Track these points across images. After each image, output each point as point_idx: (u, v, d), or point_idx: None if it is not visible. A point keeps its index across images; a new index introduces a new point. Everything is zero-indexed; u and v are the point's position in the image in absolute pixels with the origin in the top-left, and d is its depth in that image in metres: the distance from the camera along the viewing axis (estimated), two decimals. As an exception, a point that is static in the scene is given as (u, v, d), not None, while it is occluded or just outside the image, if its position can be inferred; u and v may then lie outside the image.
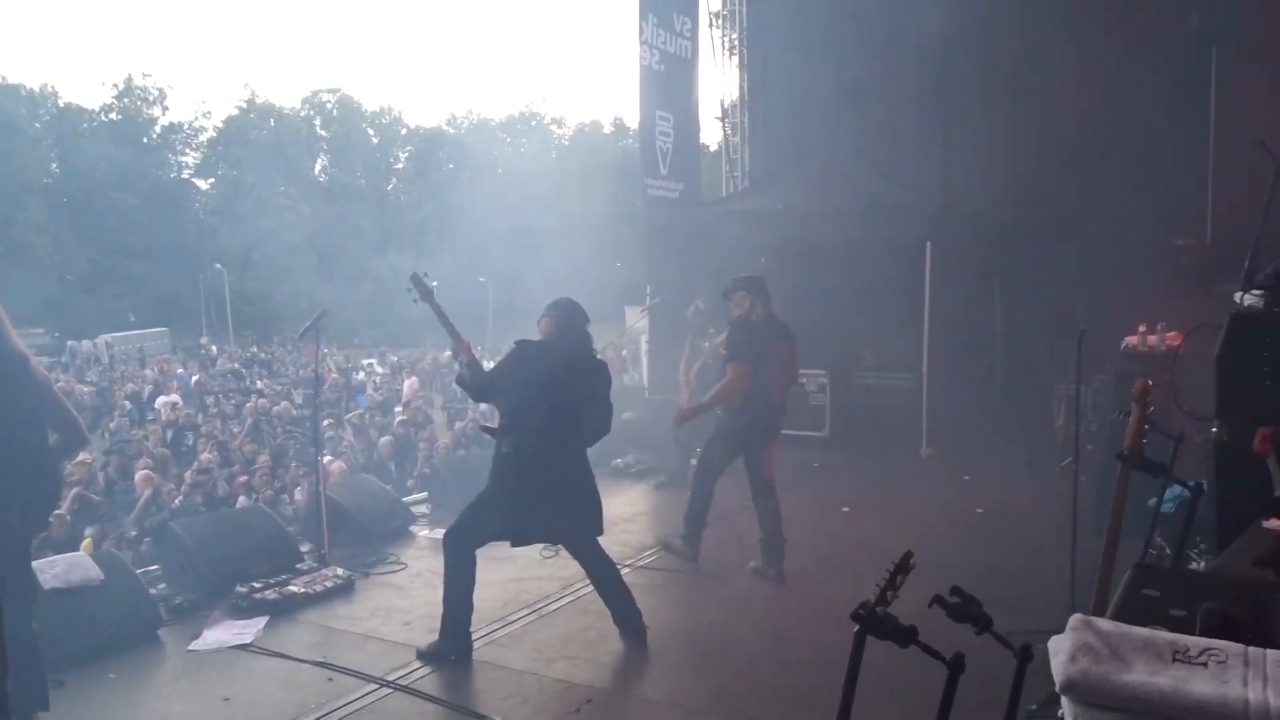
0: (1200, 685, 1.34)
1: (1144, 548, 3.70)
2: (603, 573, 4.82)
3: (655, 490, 8.27)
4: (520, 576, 5.70)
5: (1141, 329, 7.06)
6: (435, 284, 4.82)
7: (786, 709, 4.03)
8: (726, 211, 10.70)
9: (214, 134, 51.75)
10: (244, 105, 51.71)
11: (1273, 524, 2.52)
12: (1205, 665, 1.39)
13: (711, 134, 17.64)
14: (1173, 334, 6.80)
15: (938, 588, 2.33)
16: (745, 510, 6.08)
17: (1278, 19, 8.63)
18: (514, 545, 4.73)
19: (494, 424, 4.91)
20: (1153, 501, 3.70)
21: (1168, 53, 9.23)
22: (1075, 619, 1.53)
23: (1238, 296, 3.06)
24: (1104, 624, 1.52)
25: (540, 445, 4.45)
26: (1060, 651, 1.46)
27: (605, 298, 22.29)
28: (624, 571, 5.33)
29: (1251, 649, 1.43)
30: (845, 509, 7.27)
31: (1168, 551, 3.82)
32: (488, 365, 5.12)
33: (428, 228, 43.17)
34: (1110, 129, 9.40)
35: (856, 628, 2.19)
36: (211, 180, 51.21)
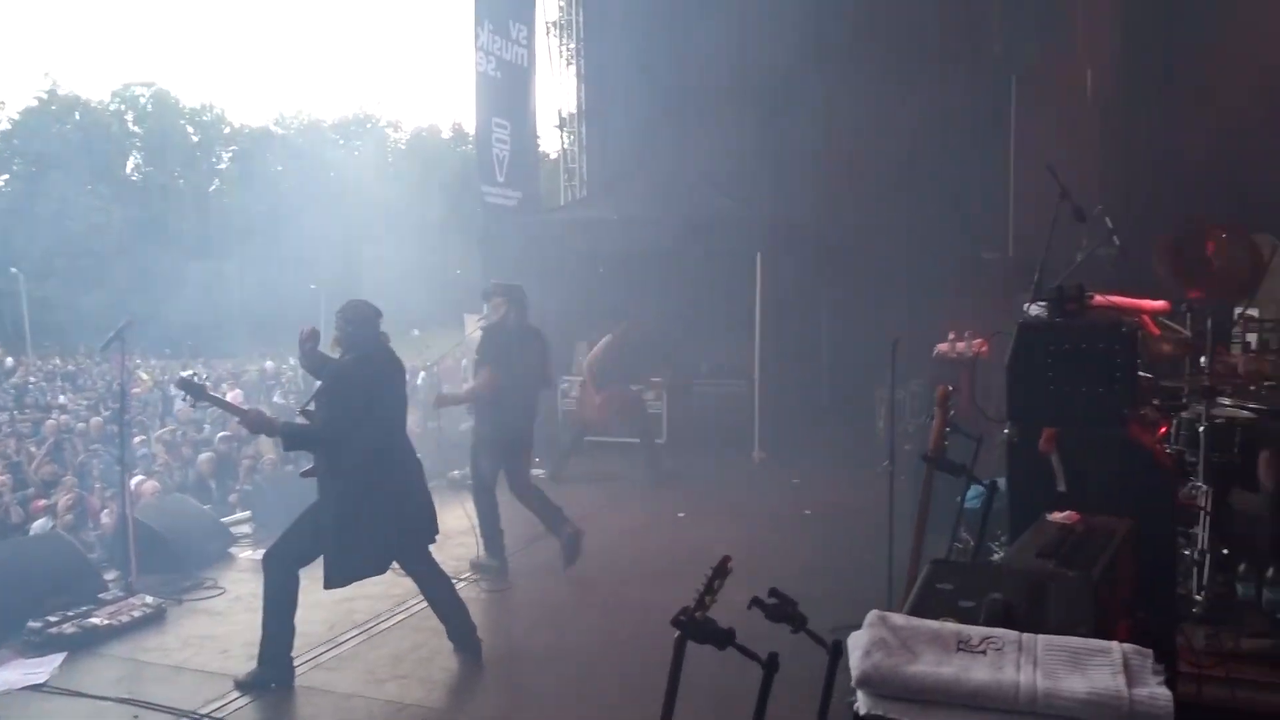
0: (979, 672, 1.44)
1: (950, 543, 3.96)
2: (437, 588, 4.71)
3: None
4: (350, 595, 5.47)
5: (951, 336, 7.53)
6: (205, 378, 4.59)
7: (617, 717, 4.05)
8: (564, 221, 10.72)
9: (9, 127, 47.43)
10: (44, 97, 47.70)
11: (1056, 517, 2.73)
12: (985, 653, 1.49)
13: (552, 142, 17.69)
14: (979, 341, 7.29)
15: (767, 588, 2.42)
16: (578, 520, 6.11)
17: (1066, 50, 9.42)
18: (329, 586, 4.39)
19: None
20: (960, 499, 3.96)
21: (975, 79, 9.92)
22: (872, 615, 1.61)
23: (1026, 307, 3.32)
24: (898, 619, 1.60)
25: (368, 458, 4.30)
26: (857, 647, 1.53)
27: (444, 305, 21.89)
28: (459, 586, 5.24)
29: (1025, 635, 1.55)
30: (681, 514, 7.41)
31: (972, 545, 4.07)
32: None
33: (254, 231, 41.07)
34: (925, 149, 9.99)
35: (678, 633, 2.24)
36: (5, 177, 46.87)
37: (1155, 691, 1.38)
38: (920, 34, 10.18)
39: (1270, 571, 3.93)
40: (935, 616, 1.84)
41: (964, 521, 4.26)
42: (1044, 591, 1.96)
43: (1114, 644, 1.50)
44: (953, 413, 3.12)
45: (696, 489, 8.35)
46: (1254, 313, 10.18)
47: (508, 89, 10.70)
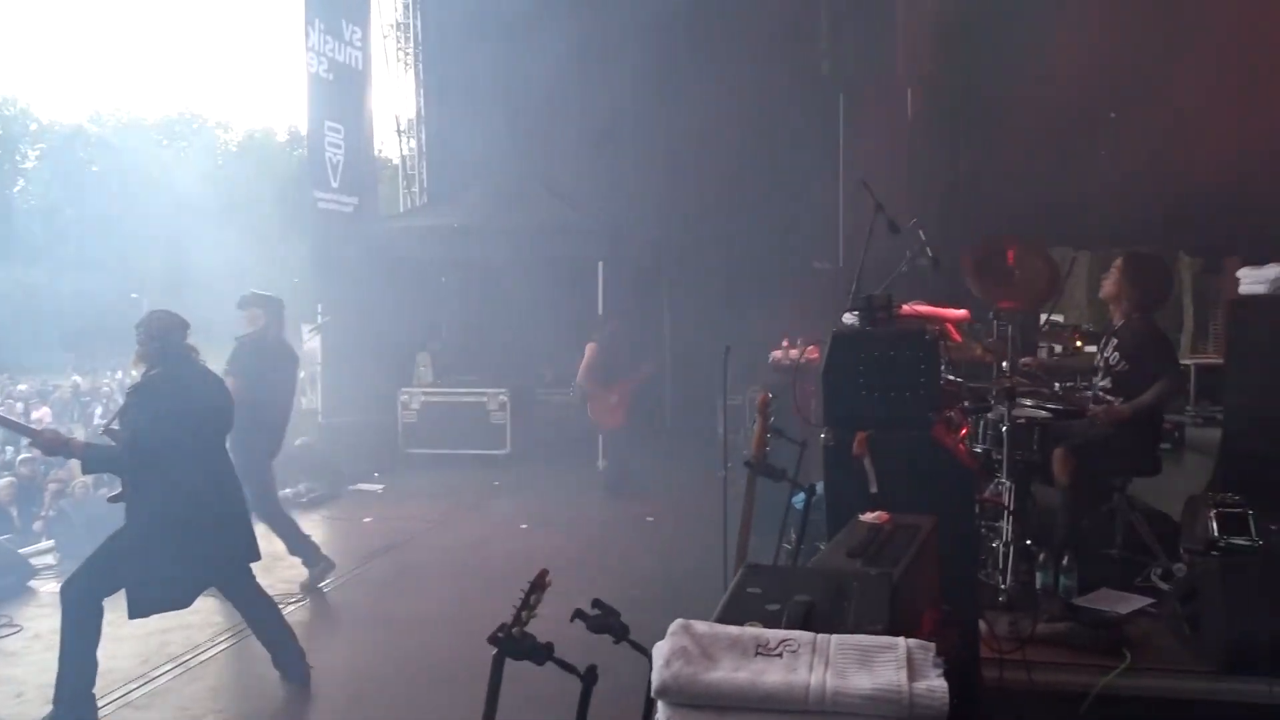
0: (773, 675, 1.47)
1: (778, 546, 4.08)
2: (261, 613, 4.47)
3: (329, 521, 7.86)
4: (167, 626, 5.13)
5: (784, 344, 7.80)
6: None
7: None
8: (404, 228, 10.47)
9: None
10: None
11: (867, 517, 2.84)
12: (781, 656, 1.53)
13: (393, 148, 17.20)
14: (811, 348, 7.57)
15: (605, 597, 2.42)
16: (413, 540, 5.97)
17: (888, 70, 9.94)
18: (133, 616, 4.10)
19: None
20: (788, 502, 4.09)
21: (806, 94, 10.33)
22: (675, 624, 1.63)
23: (844, 316, 3.47)
24: (701, 626, 1.62)
25: (176, 479, 4.04)
26: (659, 657, 1.54)
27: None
28: (287, 610, 5.01)
29: (820, 636, 1.60)
30: (524, 526, 7.34)
31: (802, 547, 4.20)
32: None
33: (66, 236, 38.07)
34: (761, 161, 10.34)
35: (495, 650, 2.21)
36: None
37: (933, 684, 1.45)
38: (755, 51, 10.50)
39: (1065, 559, 4.24)
40: (742, 621, 1.87)
41: (793, 525, 4.40)
42: (846, 591, 2.03)
43: (900, 640, 1.57)
44: (772, 419, 3.22)
45: (540, 499, 8.30)
46: (1059, 318, 11.01)
47: (341, 91, 10.36)
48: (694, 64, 10.41)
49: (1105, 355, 4.80)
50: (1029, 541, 4.62)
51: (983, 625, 3.56)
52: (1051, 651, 3.62)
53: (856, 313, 3.25)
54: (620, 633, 2.50)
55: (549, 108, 10.50)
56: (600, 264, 9.47)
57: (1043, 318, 10.15)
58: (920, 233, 5.32)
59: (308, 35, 9.76)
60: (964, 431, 3.30)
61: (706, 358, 9.41)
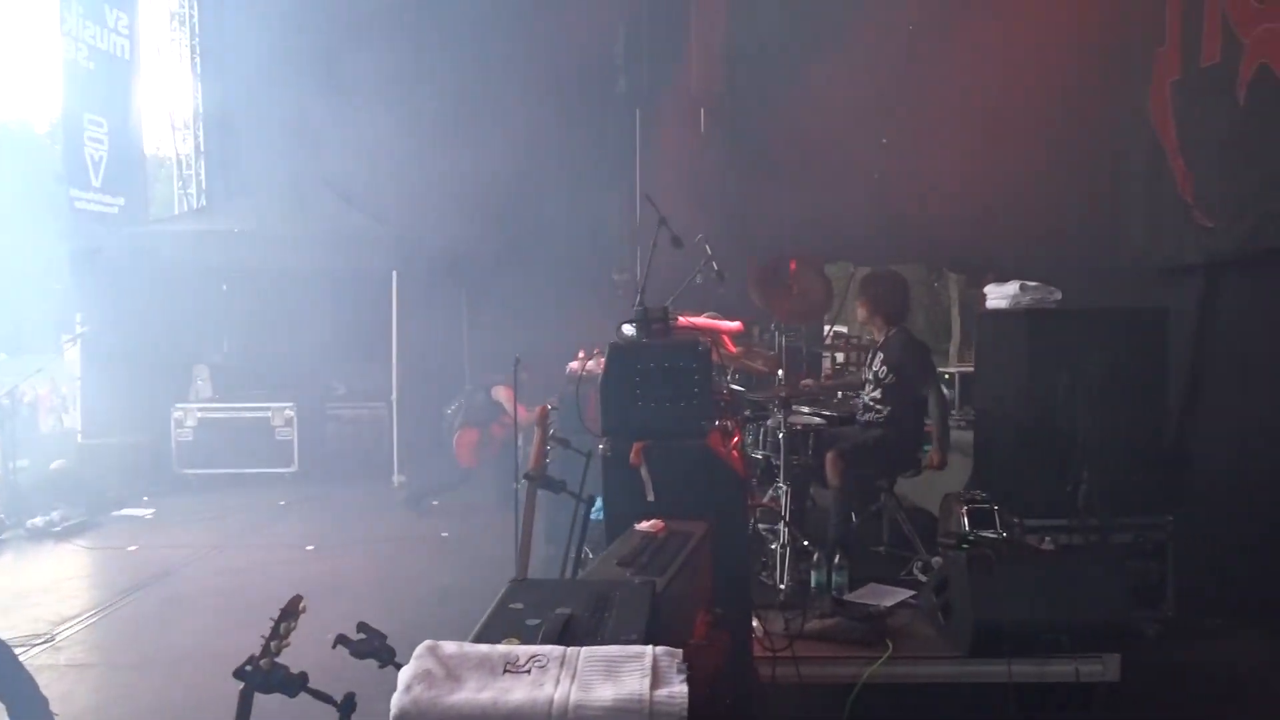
0: (518, 693, 1.44)
1: (566, 556, 4.06)
2: (-8, 658, 3.99)
3: (87, 551, 7.14)
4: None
5: (580, 354, 7.84)
6: None
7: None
8: (178, 232, 9.74)
9: None
10: None
11: (643, 526, 2.87)
12: (529, 672, 1.51)
13: (170, 145, 15.99)
14: (599, 359, 7.65)
15: (394, 617, 2.31)
16: (182, 569, 5.54)
17: (682, 89, 10.23)
18: None
19: None
20: (575, 513, 4.08)
21: (605, 110, 10.47)
22: (421, 646, 1.57)
23: (623, 327, 3.51)
24: (450, 647, 1.58)
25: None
26: (400, 682, 1.48)
27: (36, 325, 18.95)
28: (28, 655, 4.51)
29: (570, 650, 1.58)
30: (310, 548, 6.98)
31: (582, 558, 4.19)
32: None
33: None
34: (561, 173, 10.35)
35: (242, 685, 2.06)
36: None
37: (674, 690, 1.47)
38: (555, 65, 10.52)
39: (837, 558, 4.48)
40: (502, 637, 1.84)
41: (587, 536, 4.41)
42: (608, 601, 2.04)
43: (648, 649, 1.58)
44: (553, 430, 3.22)
45: (330, 518, 7.94)
46: (843, 329, 11.63)
47: (104, 82, 9.53)
48: (489, 76, 10.30)
49: (874, 369, 5.14)
50: (805, 542, 4.86)
51: (757, 624, 3.70)
52: (821, 646, 3.80)
53: (631, 324, 3.30)
54: (386, 657, 2.41)
55: (340, 110, 10.08)
56: (394, 273, 9.18)
57: (827, 329, 10.73)
58: (706, 247, 5.50)
59: (63, 19, 8.93)
60: (736, 439, 3.42)
61: (506, 369, 9.33)
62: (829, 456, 4.84)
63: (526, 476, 3.15)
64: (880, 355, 5.11)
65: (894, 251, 9.86)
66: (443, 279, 9.97)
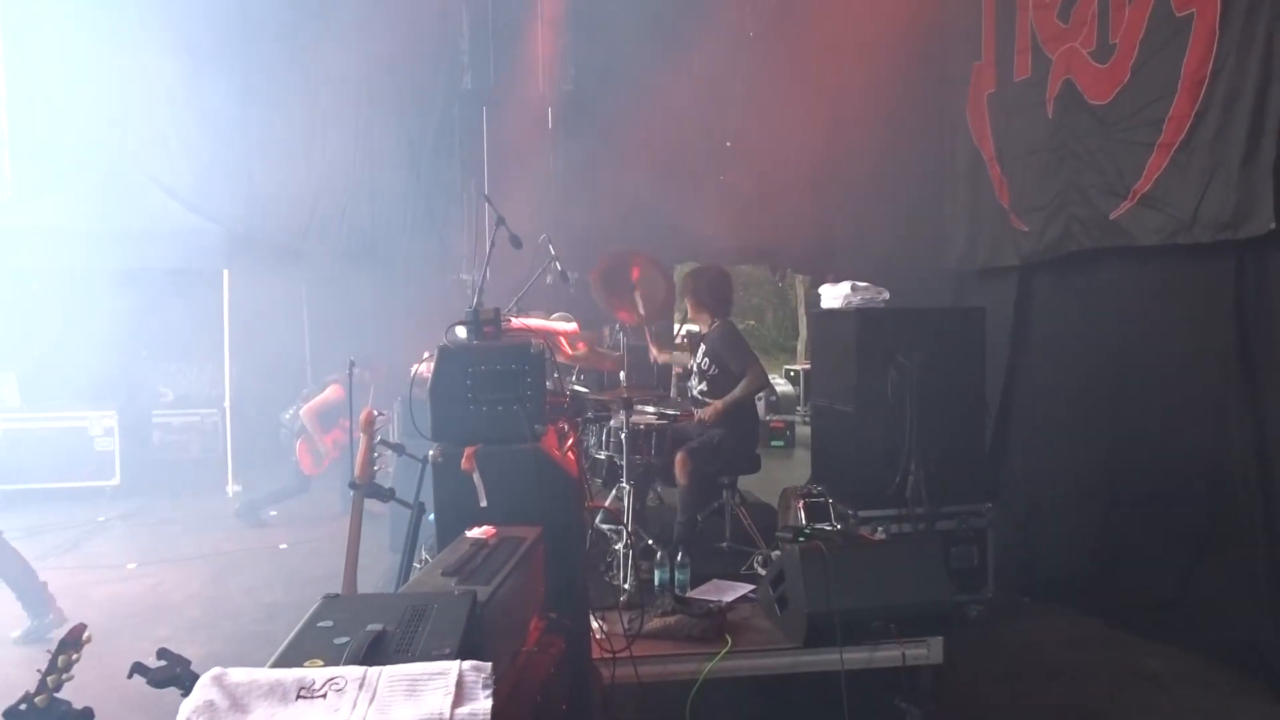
0: (310, 719, 1.36)
1: (404, 567, 3.92)
2: None
3: None
4: None
5: (426, 355, 7.64)
6: None
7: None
8: (-23, 227, 8.93)
9: None
10: None
11: (473, 533, 2.80)
12: (325, 696, 1.43)
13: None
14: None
15: (218, 637, 2.15)
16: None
17: (530, 86, 10.12)
18: None
19: None
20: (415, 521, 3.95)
21: (451, 107, 10.24)
22: (206, 675, 1.46)
23: (456, 329, 3.42)
24: (238, 675, 1.47)
25: None
26: (180, 715, 1.37)
27: None
28: None
29: (373, 670, 1.51)
30: (131, 566, 6.52)
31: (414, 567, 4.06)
32: None
33: None
34: (406, 170, 10.05)
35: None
36: None
37: (477, 707, 1.43)
38: (397, 56, 10.21)
39: (680, 555, 4.52)
40: (306, 658, 1.74)
41: (423, 544, 4.29)
42: (424, 614, 1.96)
43: (454, 664, 1.53)
44: (379, 438, 3.10)
45: (157, 533, 7.45)
46: (694, 328, 11.77)
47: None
48: (334, 65, 9.91)
49: (698, 361, 5.23)
50: (650, 541, 4.89)
51: (598, 626, 3.68)
52: (662, 645, 3.82)
53: (465, 326, 3.22)
54: (188, 684, 2.25)
55: (166, 96, 9.44)
56: (225, 272, 8.71)
57: (678, 328, 10.86)
58: (550, 247, 5.46)
59: None
60: (572, 441, 3.39)
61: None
62: (679, 456, 4.88)
63: (352, 485, 3.02)
64: (704, 347, 5.21)
65: (740, 252, 10.09)
66: (281, 277, 9.52)
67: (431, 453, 3.04)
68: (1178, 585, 4.54)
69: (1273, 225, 3.98)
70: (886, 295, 5.25)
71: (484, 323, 3.17)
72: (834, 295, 5.31)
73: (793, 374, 13.26)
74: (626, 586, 4.44)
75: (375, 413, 3.16)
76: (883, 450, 4.91)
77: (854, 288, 5.19)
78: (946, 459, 4.90)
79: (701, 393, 5.16)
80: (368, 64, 9.80)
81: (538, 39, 10.11)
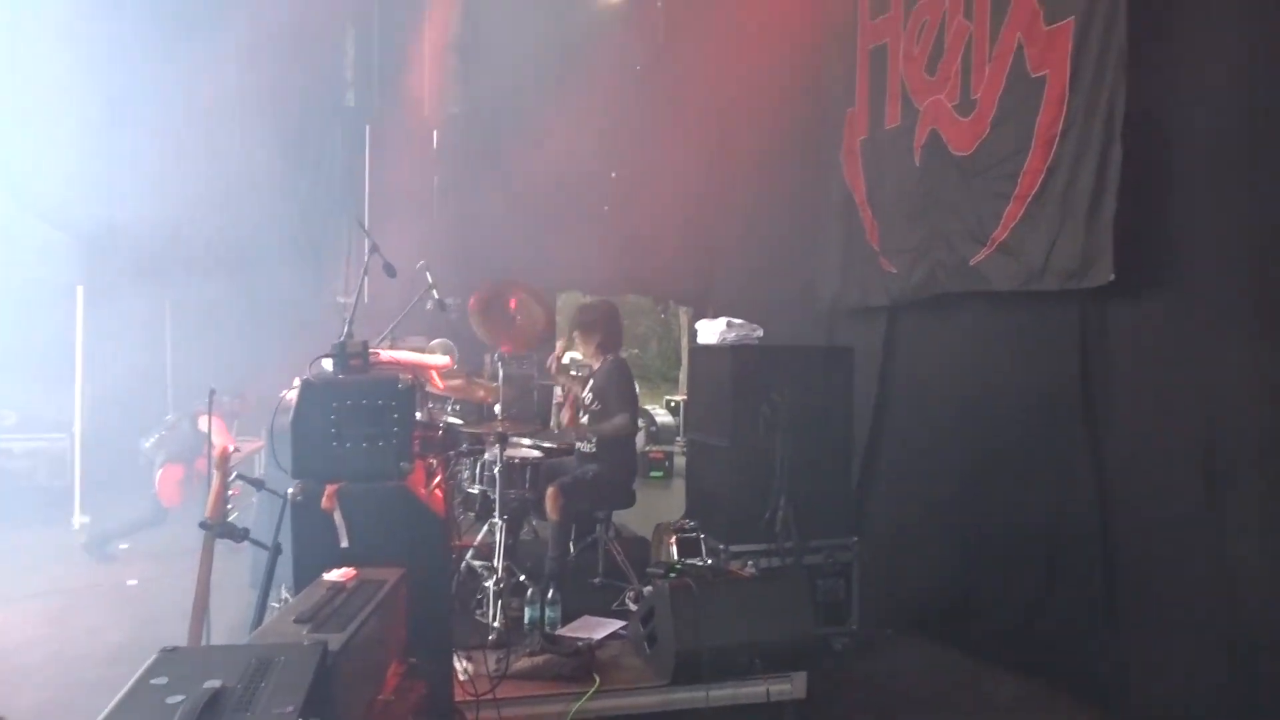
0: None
1: (257, 611, 3.75)
2: None
3: None
4: None
5: (296, 382, 7.37)
6: None
7: None
8: None
9: None
10: None
11: (332, 576, 2.70)
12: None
13: None
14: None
15: (52, 682, 1.97)
16: None
17: (415, 107, 9.98)
18: None
19: None
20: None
21: (332, 126, 9.99)
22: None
23: (322, 362, 3.31)
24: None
25: None
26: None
27: None
28: None
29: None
30: (-40, 604, 6.03)
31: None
32: None
33: None
34: (282, 186, 9.71)
35: None
36: None
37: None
38: (280, 76, 9.90)
39: (550, 592, 4.48)
40: (139, 718, 1.64)
41: (283, 585, 4.10)
42: (268, 667, 1.88)
43: None
44: (234, 475, 2.96)
45: (-8, 568, 6.91)
46: (576, 354, 11.75)
47: None
48: (208, 74, 9.49)
49: (584, 396, 5.23)
50: (521, 577, 4.83)
51: (465, 667, 3.60)
52: (529, 685, 3.77)
53: (329, 359, 3.12)
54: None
55: (34, 109, 8.88)
56: (80, 287, 8.22)
57: (566, 357, 10.81)
58: (428, 275, 5.37)
59: None
60: (440, 478, 3.32)
61: (217, 396, 8.56)
62: (550, 491, 4.85)
63: (203, 525, 2.88)
64: (591, 382, 5.22)
65: (622, 283, 10.18)
66: (142, 294, 9.03)
67: (291, 490, 2.93)
68: (1026, 616, 4.76)
69: (1112, 277, 4.25)
70: (760, 332, 5.36)
71: (351, 356, 3.08)
72: (710, 331, 5.39)
73: (673, 404, 13.39)
74: (495, 625, 4.37)
75: (232, 448, 3.02)
76: (754, 485, 4.98)
77: (729, 324, 5.28)
78: (815, 494, 5.02)
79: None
80: (245, 78, 9.47)
81: (425, 60, 10.02)
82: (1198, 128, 4.02)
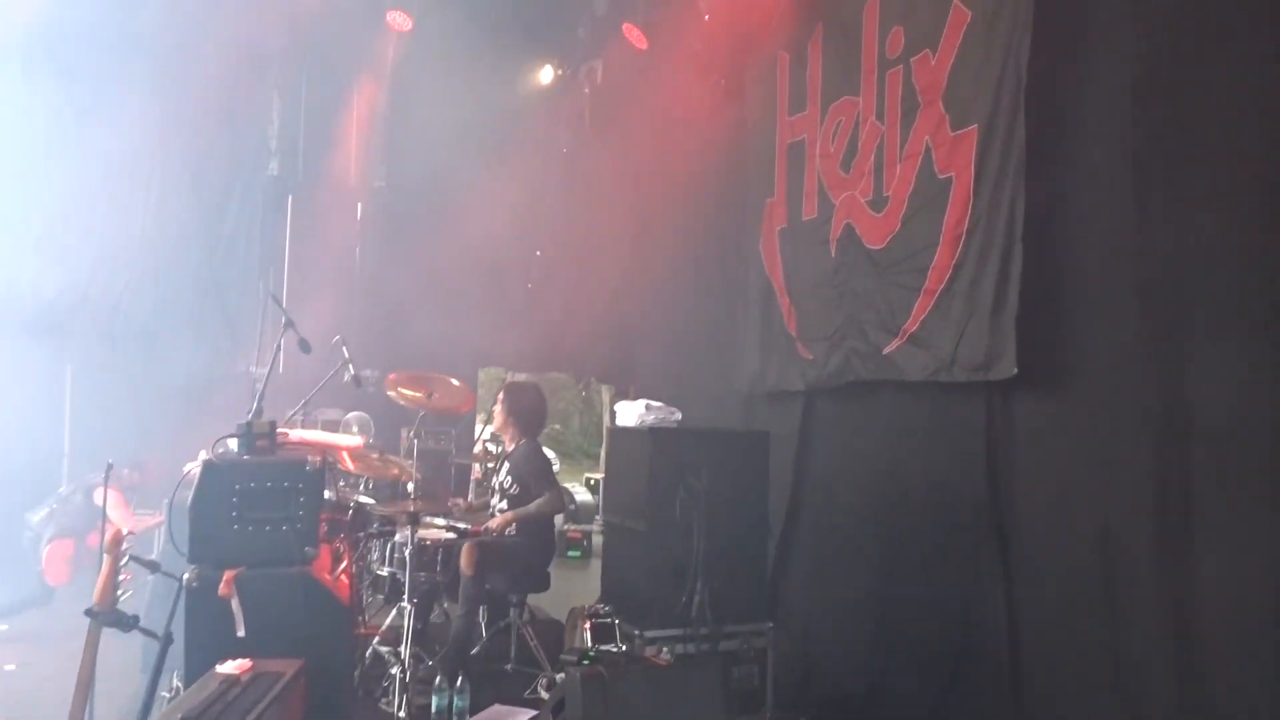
0: None
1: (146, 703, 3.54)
2: None
3: None
4: None
5: (203, 455, 7.13)
6: None
7: None
8: None
9: None
10: None
11: (225, 667, 2.59)
12: None
13: None
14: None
15: None
16: None
17: (341, 178, 9.94)
18: None
19: None
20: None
21: (254, 193, 9.86)
22: None
23: (227, 441, 3.21)
24: None
25: None
26: None
27: None
28: None
29: None
30: None
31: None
32: None
33: None
34: (197, 251, 9.52)
35: None
36: None
37: None
38: (202, 140, 9.77)
39: (459, 680, 4.34)
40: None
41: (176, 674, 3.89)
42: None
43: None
44: (126, 560, 2.82)
45: None
46: (489, 427, 11.65)
47: None
48: (124, 134, 9.29)
49: (500, 479, 5.17)
50: (430, 663, 4.68)
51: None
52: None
53: (232, 438, 3.03)
54: None
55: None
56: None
57: (480, 428, 10.72)
58: (344, 350, 5.30)
59: None
60: (346, 563, 3.22)
61: (118, 467, 8.17)
62: (466, 546, 4.74)
63: (89, 613, 2.72)
64: (507, 465, 5.17)
65: (544, 359, 10.17)
66: (40, 357, 8.64)
67: (186, 576, 2.80)
68: (936, 705, 4.78)
69: (1015, 371, 4.42)
70: (679, 416, 5.40)
71: (257, 436, 3.00)
72: (629, 413, 5.41)
73: (593, 483, 13.29)
74: (401, 716, 4.21)
75: (126, 531, 2.88)
76: (670, 570, 4.95)
77: (649, 407, 5.31)
78: (731, 579, 5.00)
79: (500, 511, 5.07)
80: (165, 140, 9.32)
81: (352, 133, 10.02)
82: (1093, 230, 4.26)
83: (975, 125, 4.75)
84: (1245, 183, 3.61)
